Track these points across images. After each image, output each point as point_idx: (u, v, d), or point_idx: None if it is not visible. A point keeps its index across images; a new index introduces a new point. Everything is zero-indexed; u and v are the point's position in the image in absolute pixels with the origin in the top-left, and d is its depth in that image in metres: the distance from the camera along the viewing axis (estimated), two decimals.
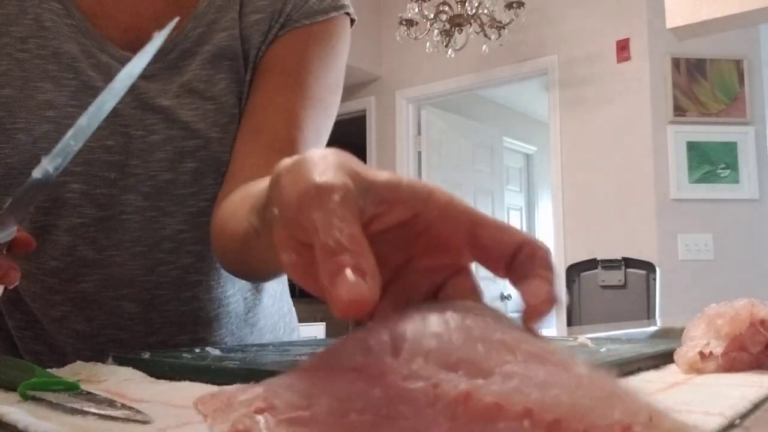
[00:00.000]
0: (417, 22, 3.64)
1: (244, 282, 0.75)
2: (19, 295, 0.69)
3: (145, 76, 0.63)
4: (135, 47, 0.61)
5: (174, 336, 0.71)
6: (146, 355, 0.53)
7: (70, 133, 0.42)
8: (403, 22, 3.60)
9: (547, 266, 0.30)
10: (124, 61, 0.56)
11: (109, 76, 0.62)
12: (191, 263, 0.69)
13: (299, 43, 0.69)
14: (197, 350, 0.57)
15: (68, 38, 0.65)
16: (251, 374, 0.44)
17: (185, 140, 0.66)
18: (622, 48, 3.68)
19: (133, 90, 0.61)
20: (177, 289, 0.69)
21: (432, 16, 3.62)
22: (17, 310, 0.71)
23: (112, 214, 0.65)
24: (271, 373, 0.42)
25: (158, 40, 0.47)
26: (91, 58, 0.65)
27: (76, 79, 0.64)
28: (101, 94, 0.44)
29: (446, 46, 3.65)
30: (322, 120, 0.69)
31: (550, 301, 0.29)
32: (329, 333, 3.33)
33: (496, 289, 5.05)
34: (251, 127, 0.67)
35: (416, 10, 3.63)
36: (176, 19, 0.51)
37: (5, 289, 0.59)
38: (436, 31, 3.64)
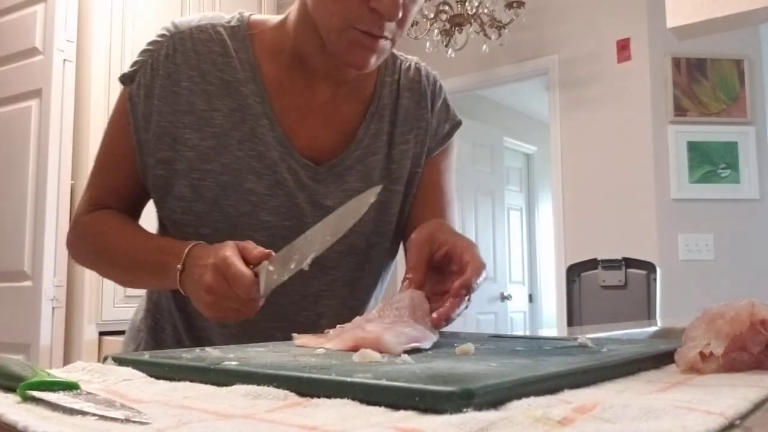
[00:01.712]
0: (417, 22, 3.63)
1: None
2: (194, 316, 0.95)
3: (318, 180, 0.92)
4: (313, 158, 0.92)
5: None
6: (146, 356, 0.53)
7: (296, 257, 0.75)
8: None
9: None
10: (305, 167, 0.91)
11: (295, 176, 0.90)
12: (324, 312, 0.94)
13: (437, 163, 1.02)
14: (197, 351, 0.57)
15: (271, 146, 0.90)
16: (250, 374, 0.44)
17: None
18: (623, 48, 3.68)
19: (309, 190, 0.91)
20: (314, 329, 0.87)
21: (432, 15, 3.62)
22: (193, 327, 0.96)
23: None
24: (271, 374, 0.42)
25: (371, 197, 0.76)
26: (284, 162, 0.90)
27: (273, 176, 0.90)
28: (316, 229, 0.77)
29: (446, 45, 3.65)
30: (455, 209, 1.04)
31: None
32: None
33: (496, 288, 5.04)
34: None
35: None
36: (379, 187, 0.78)
37: (188, 313, 0.96)
38: (436, 31, 3.64)
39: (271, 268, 0.74)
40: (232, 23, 0.93)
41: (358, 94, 0.96)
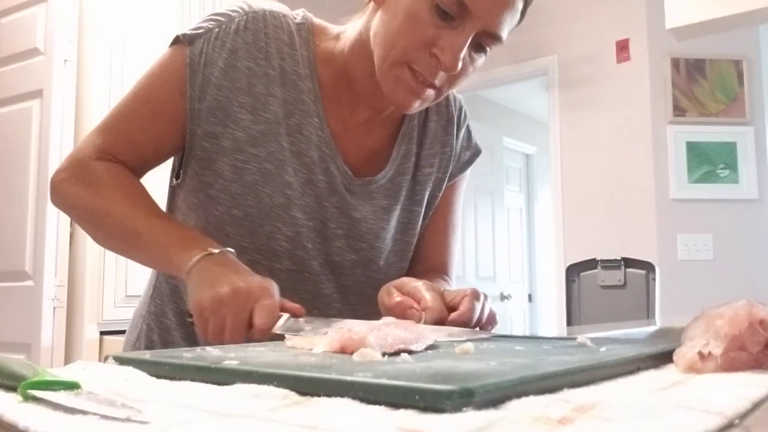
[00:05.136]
0: None
1: None
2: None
3: (351, 191, 0.93)
4: (353, 167, 0.93)
5: None
6: (146, 355, 0.53)
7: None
8: None
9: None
10: (344, 175, 0.93)
11: (329, 180, 0.92)
12: (335, 316, 0.92)
13: (452, 188, 1.07)
14: (197, 350, 0.57)
15: (315, 145, 0.91)
16: (251, 373, 0.44)
17: (356, 241, 0.95)
18: (622, 48, 3.68)
19: (339, 197, 0.92)
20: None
21: None
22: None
23: (299, 270, 0.93)
24: (271, 373, 0.43)
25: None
26: (323, 163, 0.91)
27: (308, 175, 0.91)
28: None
29: None
30: (458, 241, 1.10)
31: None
32: None
33: (496, 288, 5.05)
34: (419, 254, 1.04)
35: None
36: None
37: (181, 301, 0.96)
38: None
39: (301, 319, 0.73)
40: (298, 20, 0.94)
41: (391, 117, 0.98)
